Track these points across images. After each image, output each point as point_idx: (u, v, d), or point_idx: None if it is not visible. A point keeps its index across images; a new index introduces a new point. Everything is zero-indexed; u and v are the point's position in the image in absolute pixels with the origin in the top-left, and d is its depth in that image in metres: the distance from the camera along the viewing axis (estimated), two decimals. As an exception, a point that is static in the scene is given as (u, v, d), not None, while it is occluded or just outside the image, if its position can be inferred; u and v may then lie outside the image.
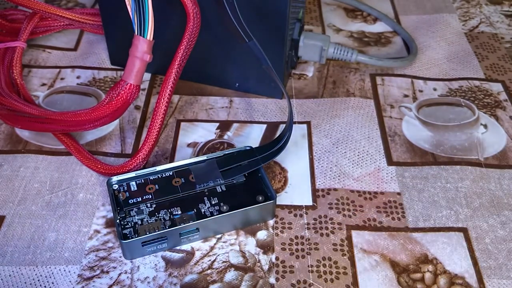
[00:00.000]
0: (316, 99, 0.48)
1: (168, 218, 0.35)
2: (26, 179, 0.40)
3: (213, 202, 0.36)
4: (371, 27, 0.57)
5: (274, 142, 0.40)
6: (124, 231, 0.34)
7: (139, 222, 0.35)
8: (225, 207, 0.36)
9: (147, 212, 0.35)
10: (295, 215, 0.38)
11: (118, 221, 0.35)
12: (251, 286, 0.34)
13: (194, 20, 0.38)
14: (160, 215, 0.35)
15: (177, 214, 0.35)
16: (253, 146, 0.40)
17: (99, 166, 0.39)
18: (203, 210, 0.36)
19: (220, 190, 0.37)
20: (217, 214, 0.35)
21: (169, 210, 0.36)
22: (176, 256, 0.35)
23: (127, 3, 0.36)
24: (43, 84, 0.49)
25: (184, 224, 0.35)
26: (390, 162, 0.42)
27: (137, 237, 0.34)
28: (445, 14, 0.59)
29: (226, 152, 0.39)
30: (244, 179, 0.38)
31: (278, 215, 0.38)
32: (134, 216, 0.35)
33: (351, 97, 0.48)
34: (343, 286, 0.34)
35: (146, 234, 0.34)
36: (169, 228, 0.34)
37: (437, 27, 0.57)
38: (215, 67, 0.47)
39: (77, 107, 0.46)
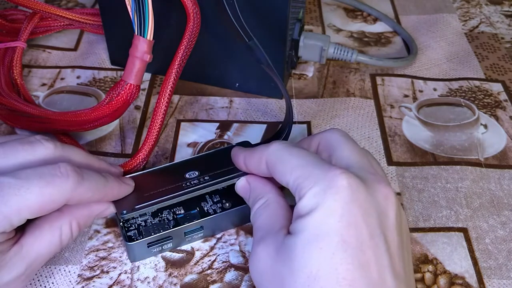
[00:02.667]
0: (316, 99, 0.48)
1: (171, 218, 0.35)
2: (26, 179, 0.40)
3: (215, 200, 0.36)
4: (371, 27, 0.57)
5: (273, 138, 0.40)
6: (129, 233, 0.34)
7: (143, 223, 0.35)
8: (227, 204, 0.36)
9: (150, 213, 0.35)
10: (295, 215, 0.38)
11: (121, 223, 0.35)
12: (251, 286, 0.34)
13: (194, 20, 0.38)
14: (163, 215, 0.35)
15: (180, 214, 0.35)
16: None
17: None
18: (206, 208, 0.36)
19: (222, 188, 0.37)
20: (220, 212, 0.35)
21: (172, 210, 0.36)
22: (176, 256, 0.35)
23: (127, 3, 0.36)
24: (43, 84, 0.49)
25: (188, 223, 0.35)
26: (390, 162, 0.42)
27: (142, 238, 0.34)
28: (445, 14, 0.59)
29: (224, 148, 0.39)
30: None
31: (278, 215, 0.38)
32: (137, 217, 0.35)
33: (351, 97, 0.48)
34: (343, 286, 0.34)
35: (151, 235, 0.34)
36: (173, 228, 0.34)
37: (437, 27, 0.57)
38: (215, 67, 0.47)
39: (77, 107, 0.46)
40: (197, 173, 0.36)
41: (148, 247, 0.34)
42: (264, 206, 0.32)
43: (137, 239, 0.34)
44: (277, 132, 0.42)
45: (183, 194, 0.34)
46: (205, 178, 0.35)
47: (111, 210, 0.33)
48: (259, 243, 0.29)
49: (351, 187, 0.27)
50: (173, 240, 0.35)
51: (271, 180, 0.34)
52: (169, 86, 0.39)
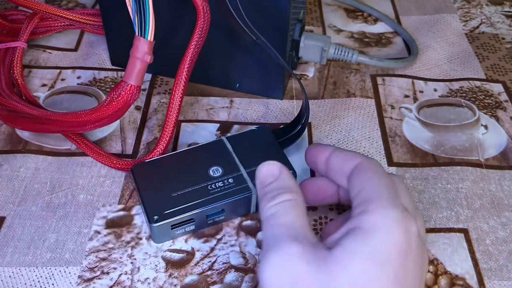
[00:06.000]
0: (317, 99, 0.48)
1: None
2: (27, 179, 0.40)
3: None
4: (371, 28, 0.57)
5: (291, 125, 0.41)
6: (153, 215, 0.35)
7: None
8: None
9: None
10: (296, 216, 0.38)
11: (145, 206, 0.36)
12: (252, 287, 0.34)
13: (205, 17, 0.38)
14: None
15: None
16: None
17: (115, 162, 0.40)
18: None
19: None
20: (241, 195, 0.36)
21: None
22: (176, 256, 0.35)
23: (127, 3, 0.36)
24: (44, 85, 0.48)
25: (210, 205, 0.35)
26: (390, 163, 0.42)
27: (166, 220, 0.35)
28: (445, 14, 0.59)
29: (245, 133, 0.41)
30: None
31: (278, 216, 0.38)
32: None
33: (351, 97, 0.48)
34: (343, 287, 0.34)
35: (174, 217, 0.35)
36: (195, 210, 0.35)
37: (437, 27, 0.57)
38: (216, 68, 0.47)
39: (77, 107, 0.46)
40: (220, 170, 0.37)
41: (172, 229, 0.35)
42: (292, 204, 0.30)
43: (160, 221, 0.35)
44: (297, 117, 0.42)
45: (209, 202, 0.35)
46: (229, 180, 0.37)
47: None
48: (292, 242, 0.27)
49: (416, 236, 0.28)
50: (196, 223, 0.36)
51: None
52: (182, 83, 0.39)
